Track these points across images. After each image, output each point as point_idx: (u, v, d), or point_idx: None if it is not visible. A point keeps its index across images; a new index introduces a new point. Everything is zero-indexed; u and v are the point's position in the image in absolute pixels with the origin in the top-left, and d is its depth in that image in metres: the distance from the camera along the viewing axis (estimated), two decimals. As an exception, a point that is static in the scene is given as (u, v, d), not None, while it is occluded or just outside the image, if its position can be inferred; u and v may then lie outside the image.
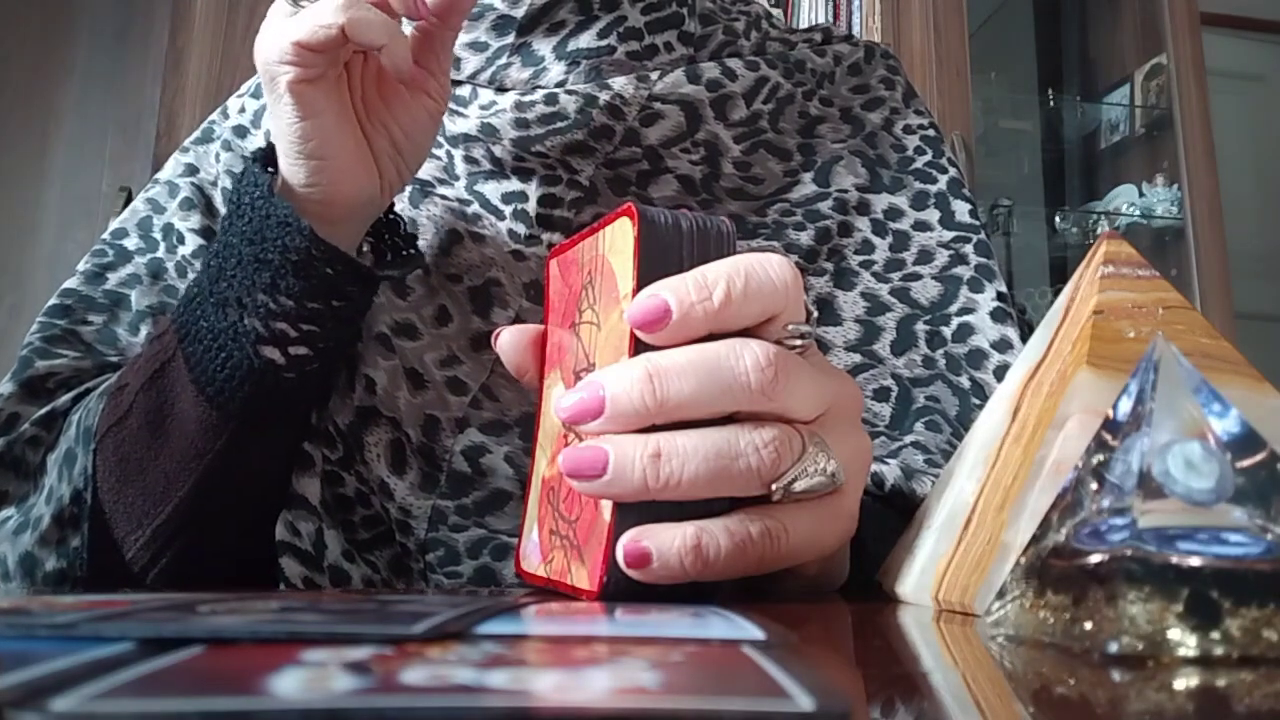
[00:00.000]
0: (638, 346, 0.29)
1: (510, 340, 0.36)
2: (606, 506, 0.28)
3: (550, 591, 0.32)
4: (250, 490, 0.44)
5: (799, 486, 0.29)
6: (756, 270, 0.29)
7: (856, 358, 0.51)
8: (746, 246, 0.52)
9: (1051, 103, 2.57)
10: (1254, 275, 2.54)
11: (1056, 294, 0.44)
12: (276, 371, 0.42)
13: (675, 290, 0.28)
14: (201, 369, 0.42)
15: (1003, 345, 0.51)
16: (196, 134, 0.58)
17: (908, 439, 0.48)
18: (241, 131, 0.56)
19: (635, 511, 0.28)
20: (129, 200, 1.91)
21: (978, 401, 0.50)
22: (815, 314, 0.52)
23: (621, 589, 0.28)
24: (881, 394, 0.50)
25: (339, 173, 0.42)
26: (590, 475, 0.27)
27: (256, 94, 0.58)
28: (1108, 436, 0.22)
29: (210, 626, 0.18)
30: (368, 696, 0.13)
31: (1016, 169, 2.52)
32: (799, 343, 0.30)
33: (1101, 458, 0.22)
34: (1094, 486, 0.22)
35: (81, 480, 0.44)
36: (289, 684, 0.13)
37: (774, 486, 0.29)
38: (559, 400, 0.29)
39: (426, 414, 0.46)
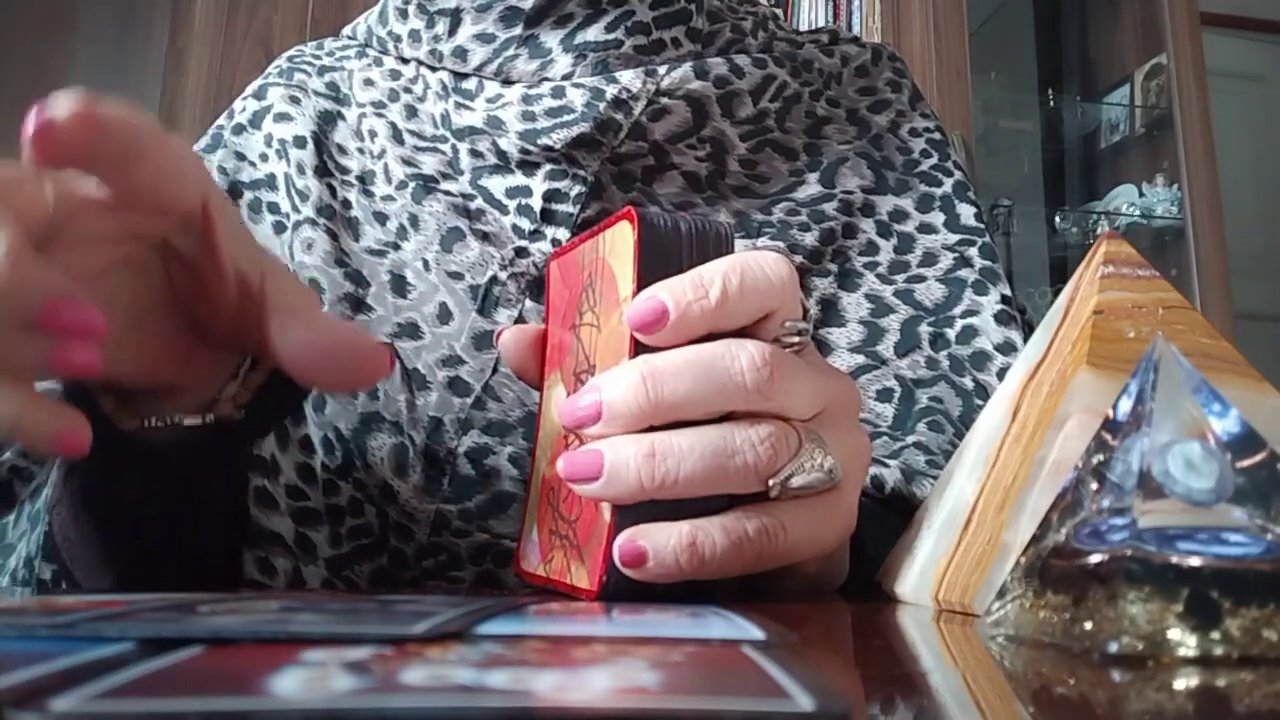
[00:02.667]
0: (638, 348, 0.29)
1: (511, 340, 0.36)
2: (606, 506, 0.29)
3: (550, 591, 0.32)
4: (191, 549, 0.41)
5: (796, 483, 0.29)
6: (752, 267, 0.29)
7: (860, 359, 0.51)
8: (751, 245, 0.52)
9: (1051, 103, 2.57)
10: (1254, 275, 2.54)
11: (1056, 294, 0.44)
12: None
13: (672, 290, 0.28)
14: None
15: (1006, 348, 0.51)
16: (206, 140, 0.57)
17: (910, 439, 0.48)
18: (239, 129, 0.56)
19: (635, 512, 0.28)
20: (129, 200, 1.91)
21: (981, 403, 0.49)
22: (811, 312, 0.52)
23: (621, 589, 0.28)
24: (884, 394, 0.50)
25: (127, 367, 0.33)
26: (587, 478, 0.28)
27: (258, 94, 0.58)
28: (1108, 436, 0.22)
29: (210, 626, 0.18)
30: (368, 696, 0.13)
31: (1016, 169, 2.52)
32: (796, 340, 0.30)
33: (1101, 458, 0.22)
34: (1094, 486, 0.22)
35: (35, 547, 0.42)
36: (289, 684, 0.13)
37: (771, 483, 0.29)
38: (560, 406, 0.29)
39: (430, 416, 0.46)
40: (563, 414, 0.29)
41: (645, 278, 0.29)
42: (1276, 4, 2.84)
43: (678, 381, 0.28)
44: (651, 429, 0.28)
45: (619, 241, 0.30)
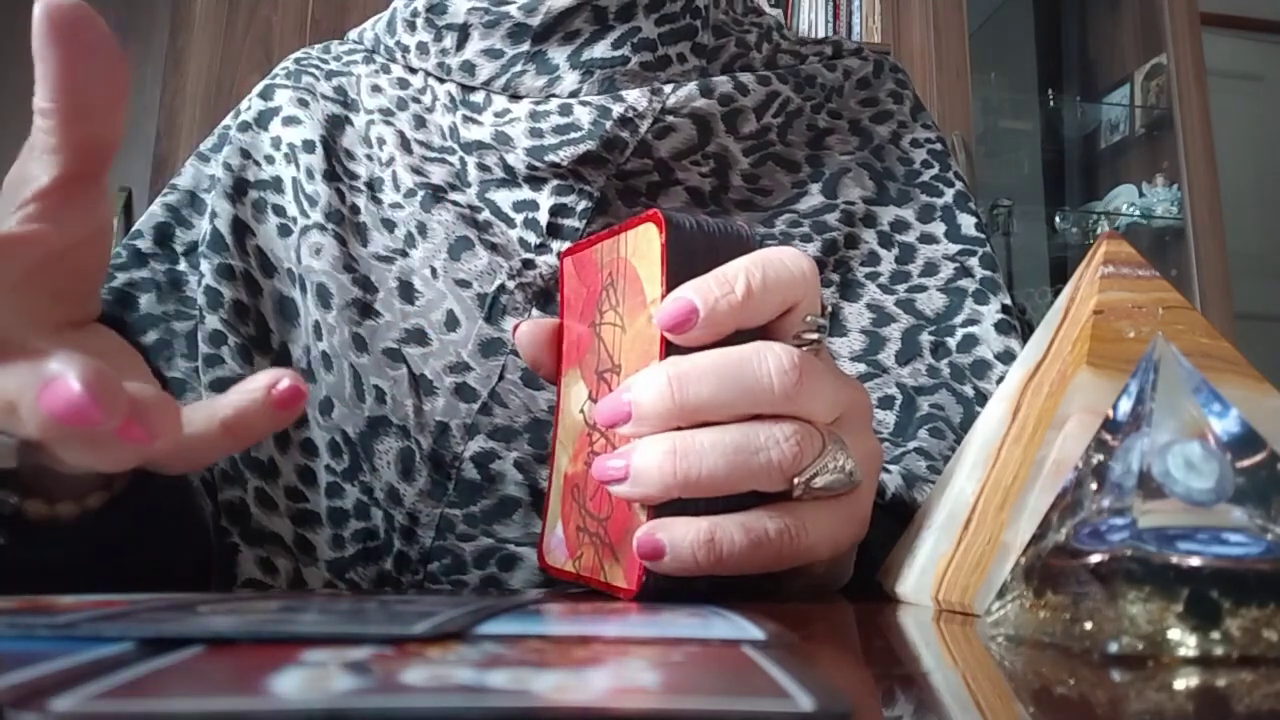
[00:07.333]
0: (669, 349, 0.29)
1: (528, 334, 0.37)
2: (640, 506, 0.29)
3: (569, 586, 0.32)
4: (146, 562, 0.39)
5: (819, 483, 0.29)
6: (774, 262, 0.30)
7: (861, 368, 0.51)
8: None
9: (1051, 103, 2.57)
10: (1254, 275, 2.55)
11: (1056, 294, 0.44)
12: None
13: (699, 290, 0.29)
14: None
15: (1007, 357, 0.51)
16: (212, 140, 0.57)
17: (911, 445, 0.48)
18: (245, 127, 0.56)
19: (668, 511, 0.28)
20: (129, 200, 1.91)
21: (981, 410, 0.50)
22: (829, 308, 0.53)
23: (661, 588, 0.28)
24: (886, 402, 0.50)
25: None
26: (615, 479, 0.28)
27: (264, 95, 0.58)
28: (1108, 436, 0.22)
29: (210, 626, 0.18)
30: (368, 696, 0.13)
31: (1016, 169, 2.52)
32: (815, 336, 0.31)
33: (1101, 458, 0.22)
34: (1094, 486, 0.22)
35: None
36: (289, 684, 0.13)
37: (795, 481, 0.29)
38: (594, 408, 0.30)
39: (436, 421, 0.46)
40: (596, 414, 0.30)
41: (673, 279, 0.29)
42: (1276, 4, 2.84)
43: (702, 384, 0.28)
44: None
45: (643, 243, 0.31)
